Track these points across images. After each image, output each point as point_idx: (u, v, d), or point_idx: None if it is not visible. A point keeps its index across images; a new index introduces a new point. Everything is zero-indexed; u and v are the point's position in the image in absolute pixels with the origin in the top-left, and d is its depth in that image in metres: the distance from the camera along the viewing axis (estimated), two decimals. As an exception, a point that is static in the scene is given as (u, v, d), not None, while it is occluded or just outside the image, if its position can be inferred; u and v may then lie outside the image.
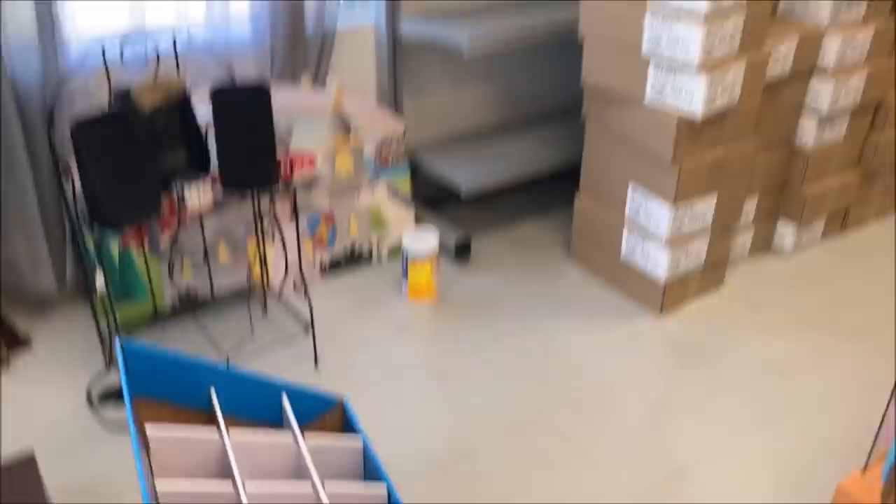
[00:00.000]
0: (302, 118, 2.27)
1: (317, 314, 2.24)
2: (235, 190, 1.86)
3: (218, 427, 1.25)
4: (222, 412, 1.36)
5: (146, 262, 2.07)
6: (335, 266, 2.44)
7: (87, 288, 1.83)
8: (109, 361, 2.00)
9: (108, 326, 1.96)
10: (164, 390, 1.30)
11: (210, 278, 2.18)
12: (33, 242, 2.10)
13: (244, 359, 2.06)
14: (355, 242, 2.45)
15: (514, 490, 1.70)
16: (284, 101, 2.24)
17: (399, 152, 2.42)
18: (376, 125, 2.37)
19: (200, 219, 2.09)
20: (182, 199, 1.78)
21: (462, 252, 2.47)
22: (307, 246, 2.37)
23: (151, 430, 1.20)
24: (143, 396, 1.28)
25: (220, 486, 1.16)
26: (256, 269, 2.25)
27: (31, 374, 2.01)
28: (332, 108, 2.31)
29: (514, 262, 2.50)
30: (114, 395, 1.91)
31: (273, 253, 2.29)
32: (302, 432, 1.42)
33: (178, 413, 1.31)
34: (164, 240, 2.09)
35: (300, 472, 1.29)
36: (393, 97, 2.57)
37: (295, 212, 2.06)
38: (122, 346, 1.21)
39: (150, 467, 1.20)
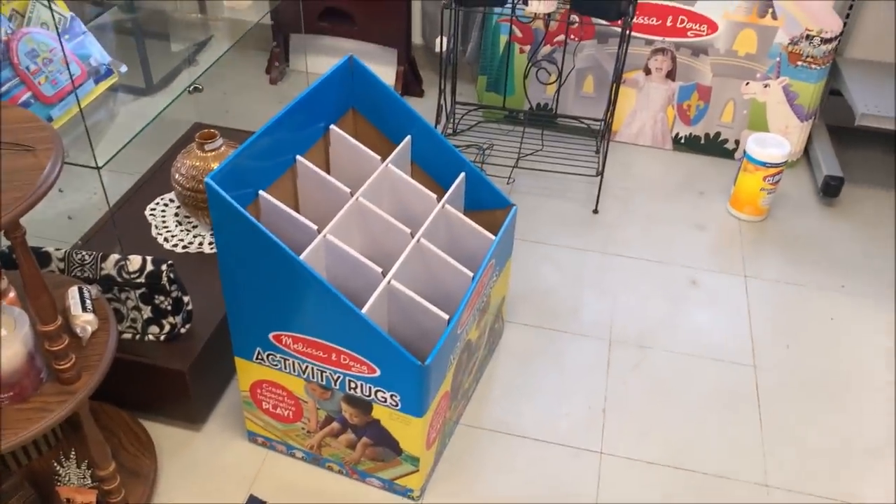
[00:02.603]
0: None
1: (638, 174, 2.21)
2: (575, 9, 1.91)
3: (384, 159, 1.44)
4: (412, 159, 1.54)
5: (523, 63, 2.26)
6: (690, 143, 2.31)
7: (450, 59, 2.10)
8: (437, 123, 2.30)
9: (446, 98, 2.23)
10: (377, 118, 1.52)
11: (556, 98, 2.27)
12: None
13: (538, 171, 2.17)
14: (722, 131, 2.27)
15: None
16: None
17: (820, 55, 2.09)
18: (808, 14, 2.07)
19: (569, 39, 2.17)
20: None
21: (829, 189, 2.10)
22: (669, 111, 2.28)
23: (338, 133, 1.45)
24: (360, 113, 1.53)
25: (342, 190, 1.37)
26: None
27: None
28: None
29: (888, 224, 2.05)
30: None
31: (634, 104, 2.27)
32: (457, 210, 1.53)
33: (380, 140, 1.53)
34: (544, 51, 2.25)
35: (416, 223, 1.41)
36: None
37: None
38: (351, 61, 1.45)
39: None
